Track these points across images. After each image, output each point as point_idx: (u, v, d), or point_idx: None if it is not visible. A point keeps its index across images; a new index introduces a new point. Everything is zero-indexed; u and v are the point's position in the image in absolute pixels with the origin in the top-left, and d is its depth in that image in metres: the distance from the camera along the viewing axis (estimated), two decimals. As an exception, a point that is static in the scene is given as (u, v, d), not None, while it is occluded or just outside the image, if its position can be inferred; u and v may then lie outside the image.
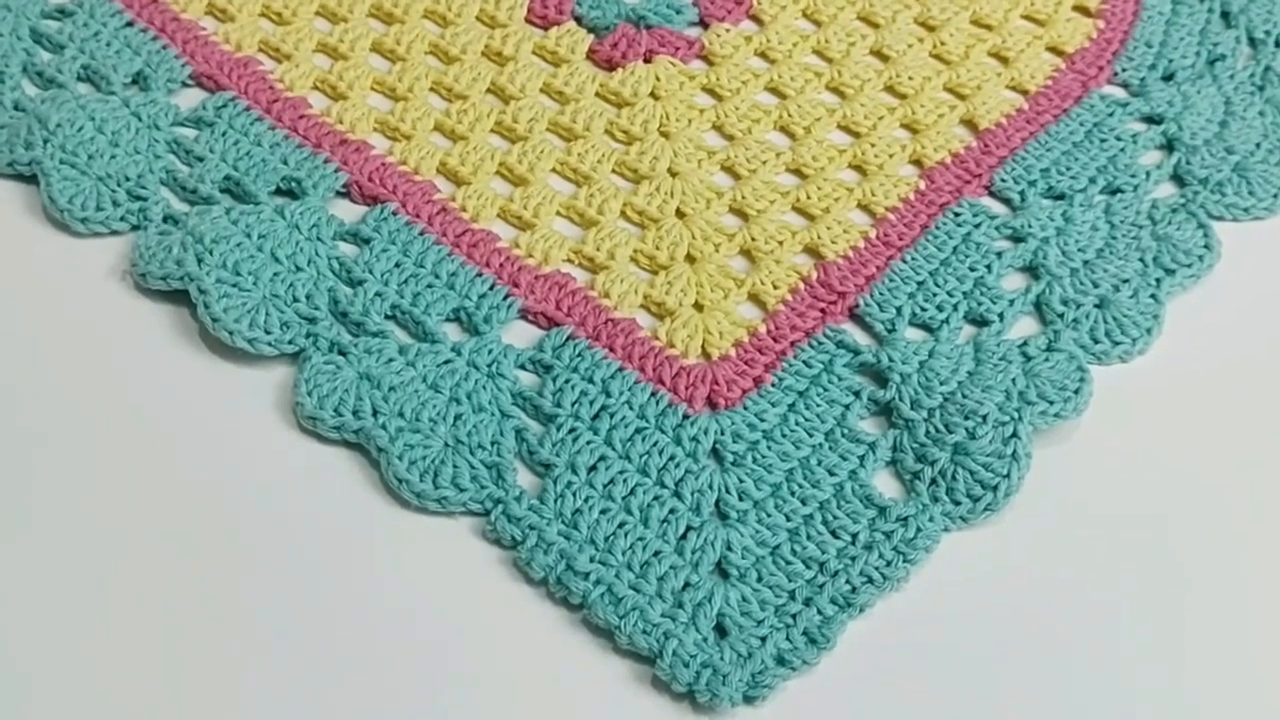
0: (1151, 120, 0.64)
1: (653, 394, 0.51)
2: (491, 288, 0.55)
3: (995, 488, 0.48)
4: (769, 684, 0.44)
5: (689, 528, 0.47)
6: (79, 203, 0.56)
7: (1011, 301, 0.55)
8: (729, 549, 0.47)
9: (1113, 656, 0.46)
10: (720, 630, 0.45)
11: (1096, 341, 0.54)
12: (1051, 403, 0.51)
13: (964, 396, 0.51)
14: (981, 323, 0.55)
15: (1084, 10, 0.70)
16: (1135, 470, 0.51)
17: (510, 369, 0.52)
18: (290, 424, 0.50)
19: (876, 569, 0.46)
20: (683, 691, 0.44)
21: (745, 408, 0.51)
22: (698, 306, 0.55)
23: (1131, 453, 0.51)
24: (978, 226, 0.58)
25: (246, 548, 0.47)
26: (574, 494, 0.48)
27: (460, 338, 0.53)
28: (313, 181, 0.58)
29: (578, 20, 0.68)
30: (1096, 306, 0.55)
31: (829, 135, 0.63)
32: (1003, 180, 0.61)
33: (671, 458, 0.49)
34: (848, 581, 0.46)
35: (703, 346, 0.53)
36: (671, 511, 0.48)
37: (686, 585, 0.46)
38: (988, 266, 0.57)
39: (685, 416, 0.51)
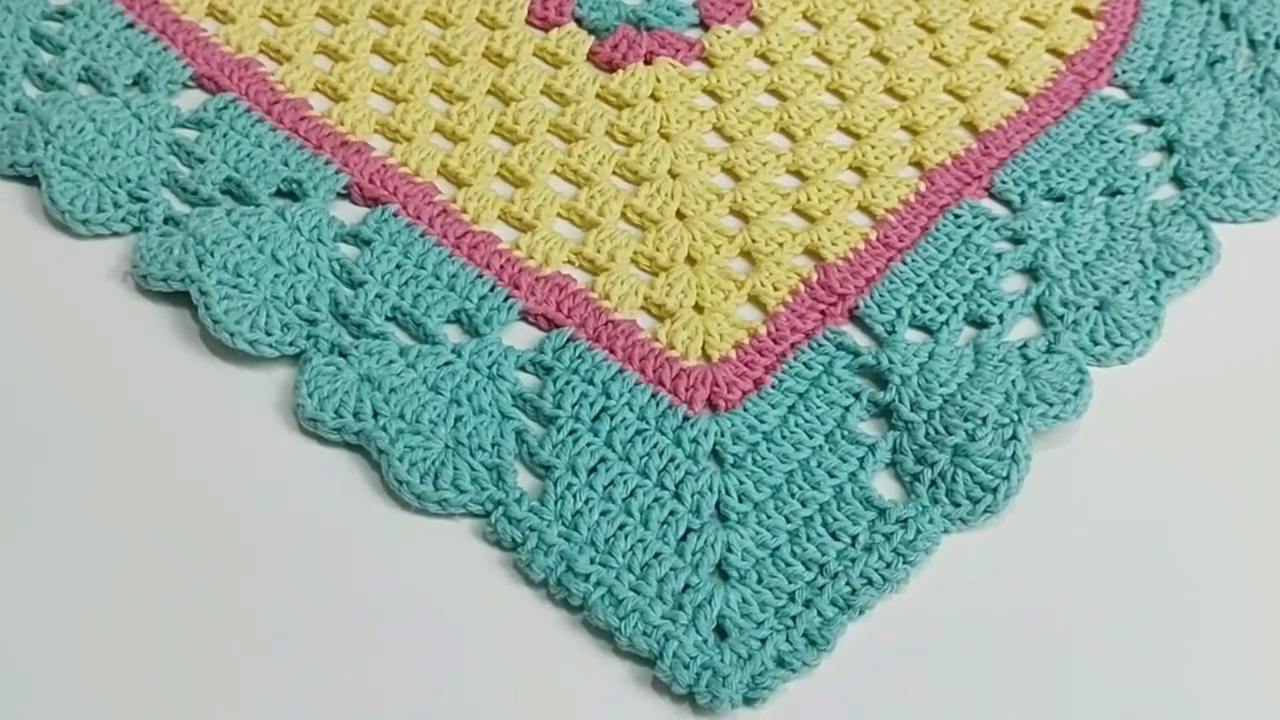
0: (1151, 122, 0.64)
1: (653, 396, 0.51)
2: (492, 289, 0.55)
3: (995, 490, 0.49)
4: (769, 686, 0.44)
5: (689, 529, 0.47)
6: (80, 204, 0.56)
7: (1011, 303, 0.55)
8: (729, 551, 0.47)
9: (1112, 658, 0.46)
10: (720, 632, 0.45)
11: (1096, 343, 0.54)
12: (1051, 405, 0.51)
13: (964, 398, 0.51)
14: (981, 324, 0.55)
15: (1084, 12, 0.70)
16: (1135, 472, 0.51)
17: (511, 371, 0.52)
18: (291, 425, 0.50)
19: (876, 571, 0.47)
20: (683, 693, 0.44)
21: (745, 409, 0.51)
22: (698, 308, 0.55)
23: (1131, 454, 0.51)
24: (978, 228, 0.58)
25: (247, 549, 0.47)
26: (574, 496, 0.48)
27: (461, 339, 0.53)
28: (314, 183, 0.58)
29: (578, 22, 0.68)
30: (1096, 308, 0.55)
31: (829, 137, 0.63)
32: (1003, 182, 0.61)
33: (672, 459, 0.49)
34: (848, 583, 0.46)
35: (703, 348, 0.53)
36: (672, 513, 0.48)
37: (687, 587, 0.46)
38: (988, 268, 0.57)
39: (685, 418, 0.51)
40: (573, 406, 0.50)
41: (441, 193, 0.59)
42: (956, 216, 0.59)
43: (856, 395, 0.52)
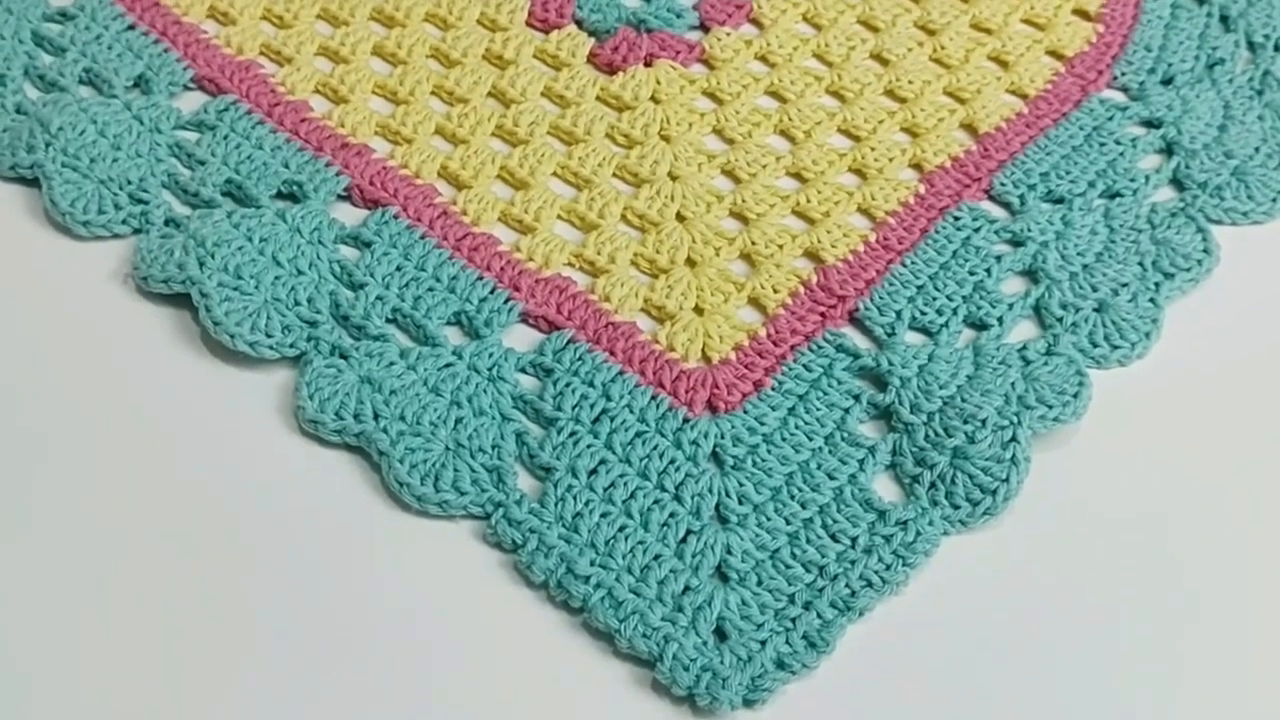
0: (1151, 124, 0.64)
1: (653, 398, 0.51)
2: (492, 291, 0.55)
3: (994, 492, 0.49)
4: (768, 687, 0.44)
5: (689, 531, 0.48)
6: (81, 206, 0.56)
7: (1011, 305, 0.55)
8: (729, 553, 0.47)
9: (1112, 660, 0.46)
10: (720, 634, 0.45)
11: (1095, 345, 0.54)
12: (1050, 407, 0.51)
13: (963, 400, 0.51)
14: (981, 326, 0.55)
15: (1083, 14, 0.70)
16: (1134, 474, 0.51)
17: (511, 372, 0.52)
18: (291, 427, 0.50)
19: (876, 573, 0.47)
20: (683, 695, 0.44)
21: (745, 411, 0.51)
22: (698, 310, 0.55)
23: (1130, 456, 0.51)
24: (977, 230, 0.58)
25: (248, 551, 0.47)
26: (574, 497, 0.48)
27: (461, 341, 0.53)
28: (314, 185, 0.58)
29: (578, 24, 0.68)
30: (1095, 310, 0.55)
31: (829, 139, 0.63)
32: (1002, 184, 0.61)
33: (672, 461, 0.49)
34: (847, 585, 0.46)
35: (703, 350, 0.53)
36: (671, 515, 0.48)
37: (686, 589, 0.46)
38: (987, 270, 0.57)
39: (685, 420, 0.51)
40: (573, 408, 0.51)
41: (442, 195, 0.59)
42: (956, 219, 0.59)
43: (856, 397, 0.52)
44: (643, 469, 0.49)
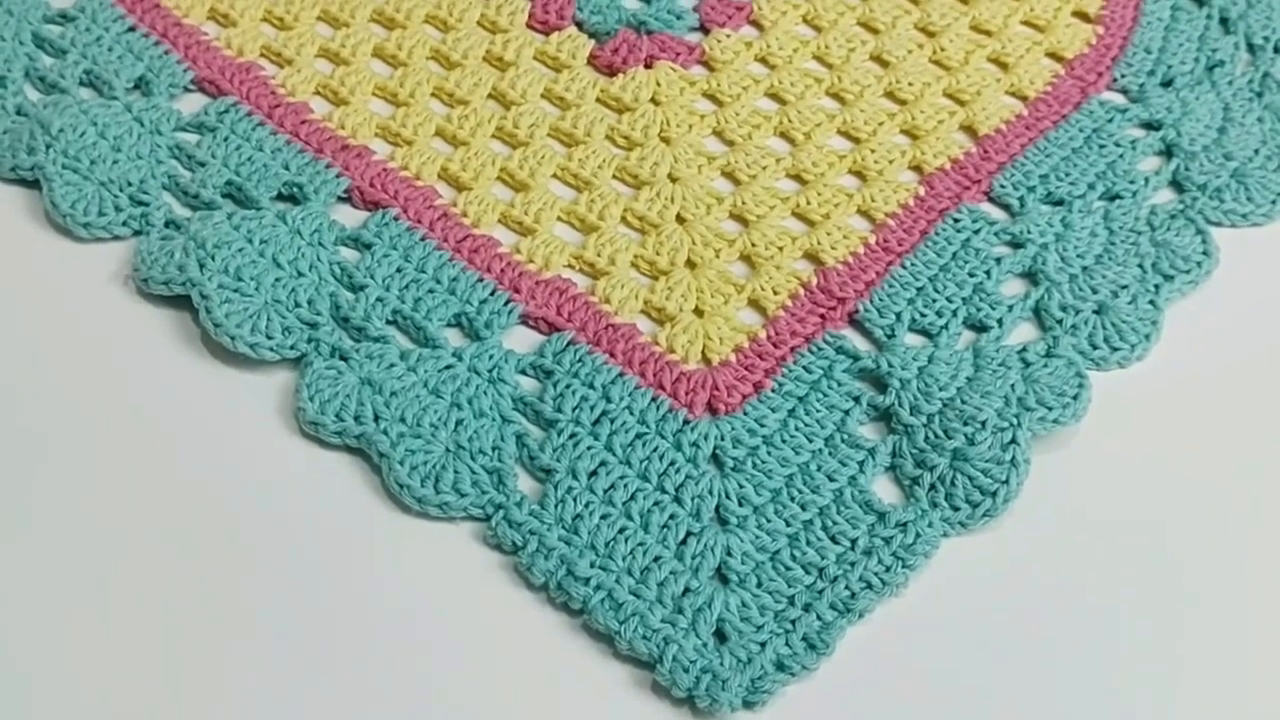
0: (1150, 126, 0.64)
1: (653, 399, 0.51)
2: (492, 293, 0.55)
3: (994, 493, 0.49)
4: (768, 689, 0.44)
5: (689, 533, 0.48)
6: (81, 208, 0.56)
7: (1010, 307, 0.55)
8: (729, 554, 0.47)
9: (1112, 662, 0.46)
10: (720, 635, 0.45)
11: (1095, 347, 0.54)
12: (1050, 409, 0.51)
13: (963, 402, 0.51)
14: (981, 328, 0.55)
15: (1083, 16, 0.70)
16: (1134, 476, 0.51)
17: (511, 374, 0.52)
18: (292, 429, 0.50)
19: (876, 574, 0.47)
20: (682, 697, 0.44)
21: (745, 413, 0.51)
22: (698, 312, 0.55)
23: (1130, 458, 0.52)
24: (977, 232, 0.58)
25: (248, 552, 0.47)
26: (574, 499, 0.48)
27: (461, 343, 0.53)
28: (314, 187, 0.58)
29: (579, 25, 0.68)
30: (1095, 312, 0.55)
31: (829, 141, 0.63)
32: (1002, 186, 0.61)
33: (672, 463, 0.49)
34: (847, 587, 0.46)
35: (703, 352, 0.54)
36: (672, 517, 0.48)
37: (686, 590, 0.46)
38: (987, 272, 0.57)
39: (685, 422, 0.51)
40: (573, 410, 0.51)
41: (442, 196, 0.59)
42: (956, 220, 0.59)
43: (856, 399, 0.52)
44: (643, 471, 0.49)
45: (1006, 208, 0.60)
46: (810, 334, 0.54)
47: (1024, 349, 0.54)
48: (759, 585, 0.47)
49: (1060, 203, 0.60)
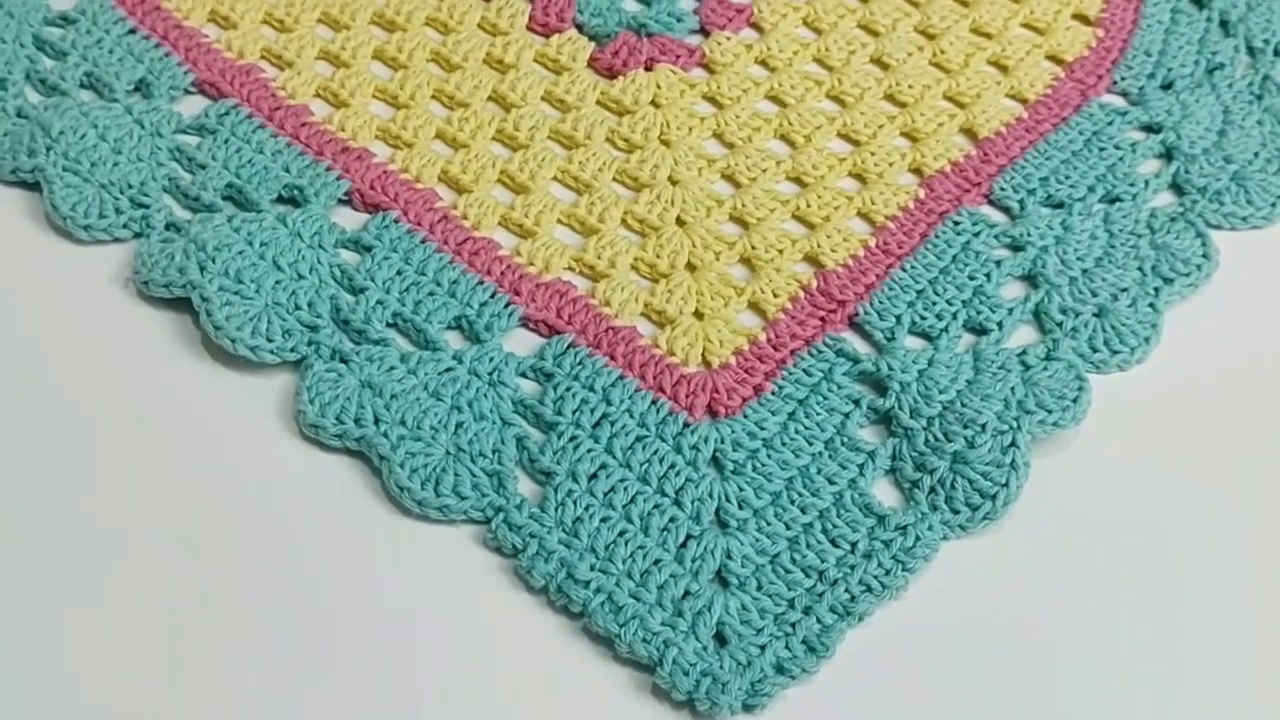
0: (1150, 129, 0.64)
1: (653, 402, 0.51)
2: (493, 296, 0.55)
3: (994, 496, 0.49)
4: (768, 692, 0.44)
5: (689, 536, 0.48)
6: (81, 210, 0.56)
7: (1010, 310, 0.55)
8: (729, 557, 0.47)
9: (1111, 664, 0.46)
10: (720, 639, 0.45)
11: (1095, 350, 0.54)
12: (1050, 411, 0.51)
13: (963, 405, 0.51)
14: (980, 331, 0.55)
15: (1083, 19, 0.70)
16: (1133, 479, 0.51)
17: (511, 377, 0.52)
18: (292, 432, 0.50)
19: (876, 577, 0.47)
20: (682, 700, 0.44)
21: (745, 416, 0.51)
22: (698, 315, 0.55)
23: (1130, 461, 0.52)
24: (977, 235, 0.59)
25: (248, 555, 0.47)
26: (574, 502, 0.48)
27: (461, 346, 0.53)
28: (314, 189, 0.58)
29: (579, 28, 0.68)
30: (1095, 315, 0.56)
31: (829, 143, 0.63)
32: (1002, 189, 0.61)
33: (672, 466, 0.49)
34: (847, 590, 0.46)
35: (703, 355, 0.54)
36: (672, 520, 0.48)
37: (686, 594, 0.46)
38: (987, 275, 0.57)
39: (685, 425, 0.51)
40: (573, 413, 0.51)
41: (442, 199, 0.59)
42: (956, 223, 0.59)
43: (856, 402, 0.52)
44: (643, 474, 0.49)
45: (1006, 210, 0.60)
46: (810, 337, 0.54)
47: (1024, 352, 0.54)
48: (759, 588, 0.47)
49: (1060, 205, 0.60)
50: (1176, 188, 0.62)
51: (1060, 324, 0.55)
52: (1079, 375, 0.52)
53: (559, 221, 0.59)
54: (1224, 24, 0.70)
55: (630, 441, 0.50)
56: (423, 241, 0.56)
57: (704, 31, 0.68)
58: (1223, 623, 0.47)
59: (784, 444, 0.51)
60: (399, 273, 0.55)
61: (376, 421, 0.49)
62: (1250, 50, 0.69)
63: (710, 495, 0.49)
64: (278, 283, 0.53)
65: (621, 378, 0.52)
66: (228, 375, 0.52)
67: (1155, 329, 0.55)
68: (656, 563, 0.47)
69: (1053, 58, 0.68)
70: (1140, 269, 0.57)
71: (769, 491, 0.49)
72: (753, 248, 0.58)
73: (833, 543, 0.48)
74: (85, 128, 0.58)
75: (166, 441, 0.50)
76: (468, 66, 0.65)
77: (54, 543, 0.47)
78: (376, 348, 0.52)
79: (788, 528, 0.48)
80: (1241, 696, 0.46)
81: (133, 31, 0.65)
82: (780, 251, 0.57)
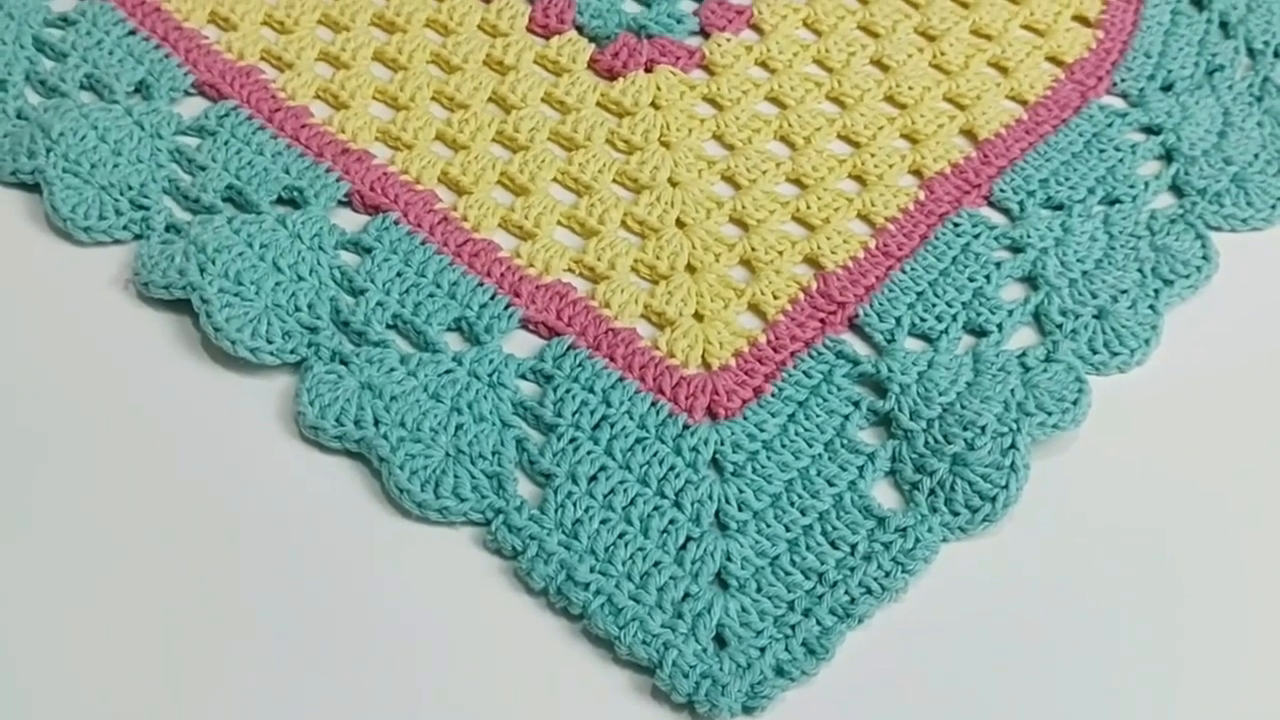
0: (1150, 131, 0.64)
1: (653, 404, 0.51)
2: (492, 297, 0.55)
3: (994, 498, 0.49)
4: (768, 694, 0.44)
5: (689, 538, 0.48)
6: (82, 211, 0.56)
7: (1010, 312, 0.55)
8: (728, 559, 0.47)
9: (1111, 666, 0.46)
10: (720, 641, 0.45)
11: (1095, 352, 0.54)
12: (1050, 413, 0.51)
13: (963, 407, 0.51)
14: (980, 333, 0.55)
15: (1083, 20, 0.70)
16: (1133, 481, 0.51)
17: (511, 379, 0.52)
18: (292, 433, 0.50)
19: (875, 580, 0.47)
20: (682, 702, 0.44)
21: (745, 418, 0.51)
22: (698, 316, 0.55)
23: (1130, 463, 0.52)
24: (977, 237, 0.59)
25: (248, 556, 0.47)
26: (574, 504, 0.48)
27: (461, 347, 0.53)
28: (314, 191, 0.58)
29: (579, 30, 0.68)
30: (1095, 317, 0.56)
31: (829, 145, 0.63)
32: (1002, 191, 0.61)
33: (671, 468, 0.49)
34: (846, 592, 0.46)
35: (703, 356, 0.54)
36: (671, 522, 0.48)
37: (686, 596, 0.46)
38: (987, 277, 0.57)
39: (685, 427, 0.51)
40: (573, 415, 0.51)
41: (442, 200, 0.59)
42: (956, 225, 0.59)
43: (856, 404, 0.52)
44: (643, 475, 0.49)
45: (1006, 212, 0.60)
46: (810, 339, 0.54)
47: (1024, 354, 0.54)
48: (759, 590, 0.47)
49: (1060, 207, 0.60)
50: (1176, 189, 0.62)
51: (1060, 326, 0.55)
52: (1079, 377, 0.52)
53: (559, 223, 0.59)
54: (1224, 26, 0.70)
55: (630, 443, 0.50)
56: (423, 243, 0.56)
57: (704, 33, 0.68)
58: (1223, 624, 0.47)
59: (784, 446, 0.51)
60: (399, 274, 0.55)
61: (376, 423, 0.49)
62: (1250, 52, 0.69)
63: (710, 497, 0.49)
64: (278, 284, 0.53)
65: (621, 379, 0.52)
66: (227, 377, 0.52)
67: (1155, 331, 0.55)
68: (656, 565, 0.47)
69: (1053, 59, 0.68)
70: (1140, 271, 0.57)
71: (769, 493, 0.49)
72: (752, 249, 0.58)
73: (832, 545, 0.48)
74: (85, 129, 0.58)
75: (166, 443, 0.50)
76: (468, 68, 0.65)
77: (54, 543, 0.47)
78: (376, 349, 0.52)
79: (787, 530, 0.48)
80: (1241, 697, 0.46)
81: (133, 33, 0.65)
82: (780, 253, 0.57)
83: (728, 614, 0.46)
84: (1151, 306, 0.56)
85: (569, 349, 0.53)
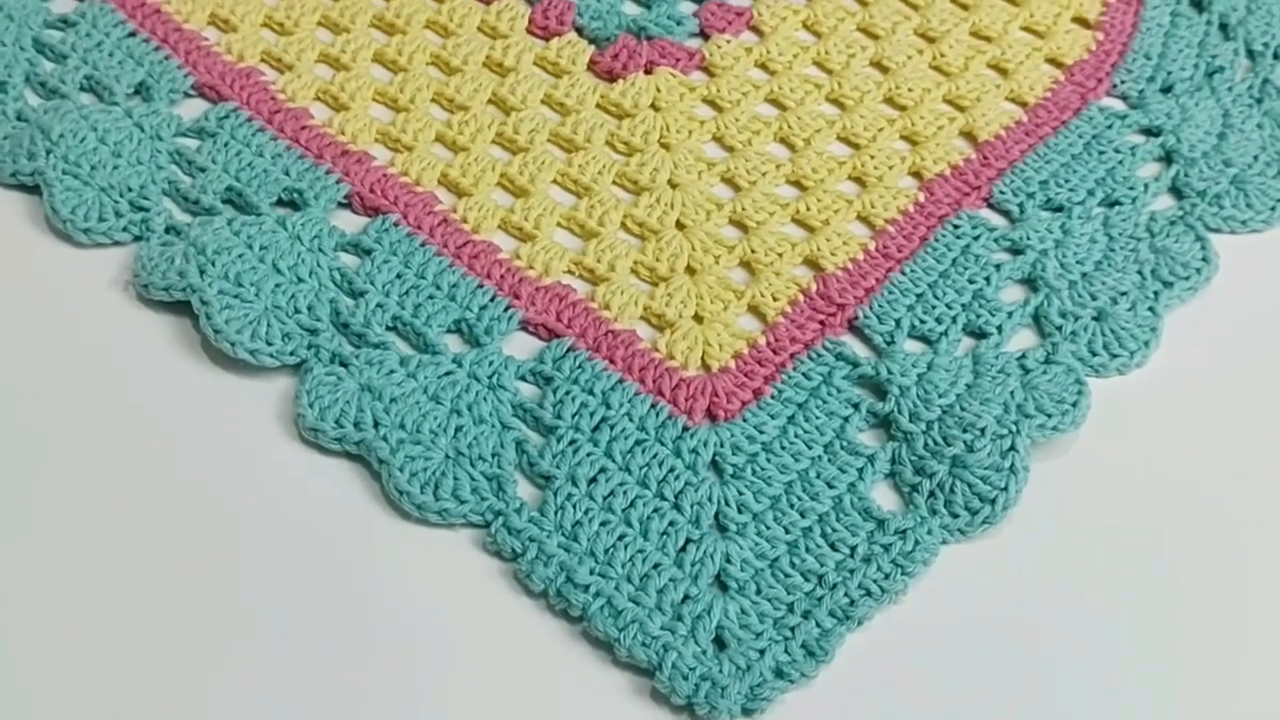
0: (1150, 132, 0.64)
1: (652, 406, 0.51)
2: (492, 299, 0.55)
3: (993, 501, 0.49)
4: (767, 696, 0.44)
5: (688, 540, 0.48)
6: (81, 213, 0.56)
7: (1010, 314, 0.55)
8: (728, 561, 0.47)
9: (1111, 668, 0.46)
10: (719, 643, 0.45)
11: (1094, 354, 0.54)
12: (1049, 415, 0.51)
13: (962, 409, 0.51)
14: (980, 335, 0.55)
15: (1083, 22, 0.70)
16: (1133, 483, 0.51)
17: (511, 381, 0.52)
18: (292, 435, 0.50)
19: (875, 582, 0.47)
20: (682, 704, 0.44)
21: (745, 420, 0.51)
22: (697, 318, 0.55)
23: (1129, 465, 0.52)
24: (976, 239, 0.59)
25: (247, 558, 0.47)
26: (574, 506, 0.48)
27: (461, 349, 0.53)
28: (314, 192, 0.58)
29: (579, 31, 0.68)
30: (1094, 319, 0.56)
31: (829, 147, 0.63)
32: (1001, 192, 0.61)
33: (671, 470, 0.49)
34: (846, 594, 0.46)
35: (702, 358, 0.54)
36: (671, 524, 0.48)
37: (686, 598, 0.46)
38: (986, 279, 0.57)
39: (685, 429, 0.51)
40: (573, 417, 0.51)
41: (442, 202, 0.59)
42: (955, 227, 0.59)
43: (855, 406, 0.52)
44: (642, 477, 0.49)
45: (1006, 214, 0.60)
46: (810, 340, 0.54)
47: (1023, 356, 0.54)
48: (758, 592, 0.47)
49: (1060, 209, 0.60)
50: (1176, 191, 0.62)
51: (1060, 328, 0.55)
52: (1078, 379, 0.52)
53: (559, 225, 0.59)
54: (1224, 27, 0.70)
55: (630, 445, 0.50)
56: (422, 245, 0.56)
57: (704, 35, 0.68)
58: (1222, 626, 0.47)
59: (783, 448, 0.51)
60: (398, 276, 0.55)
61: (376, 425, 0.49)
62: (1250, 53, 0.69)
63: (709, 499, 0.49)
64: (277, 286, 0.53)
65: (621, 381, 0.52)
66: (227, 378, 0.52)
67: (1155, 333, 0.55)
68: (656, 567, 0.47)
69: (1052, 61, 0.68)
70: (1140, 272, 0.57)
71: (768, 495, 0.49)
72: (752, 251, 0.58)
73: (832, 547, 0.48)
74: (85, 131, 0.58)
75: (166, 444, 0.50)
76: (467, 70, 0.65)
77: (54, 543, 0.47)
78: (376, 351, 0.52)
79: (787, 532, 0.48)
80: (1241, 697, 0.46)
81: (133, 34, 0.65)
82: (780, 255, 0.57)
83: (727, 616, 0.46)
84: (1151, 308, 0.56)
85: (569, 351, 0.53)
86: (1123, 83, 0.67)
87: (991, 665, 0.46)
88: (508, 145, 0.62)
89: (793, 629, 0.46)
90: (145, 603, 0.46)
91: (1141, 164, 0.63)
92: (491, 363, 0.52)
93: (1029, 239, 0.58)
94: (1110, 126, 0.64)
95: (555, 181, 0.60)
